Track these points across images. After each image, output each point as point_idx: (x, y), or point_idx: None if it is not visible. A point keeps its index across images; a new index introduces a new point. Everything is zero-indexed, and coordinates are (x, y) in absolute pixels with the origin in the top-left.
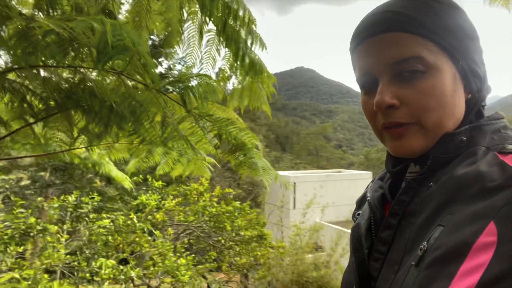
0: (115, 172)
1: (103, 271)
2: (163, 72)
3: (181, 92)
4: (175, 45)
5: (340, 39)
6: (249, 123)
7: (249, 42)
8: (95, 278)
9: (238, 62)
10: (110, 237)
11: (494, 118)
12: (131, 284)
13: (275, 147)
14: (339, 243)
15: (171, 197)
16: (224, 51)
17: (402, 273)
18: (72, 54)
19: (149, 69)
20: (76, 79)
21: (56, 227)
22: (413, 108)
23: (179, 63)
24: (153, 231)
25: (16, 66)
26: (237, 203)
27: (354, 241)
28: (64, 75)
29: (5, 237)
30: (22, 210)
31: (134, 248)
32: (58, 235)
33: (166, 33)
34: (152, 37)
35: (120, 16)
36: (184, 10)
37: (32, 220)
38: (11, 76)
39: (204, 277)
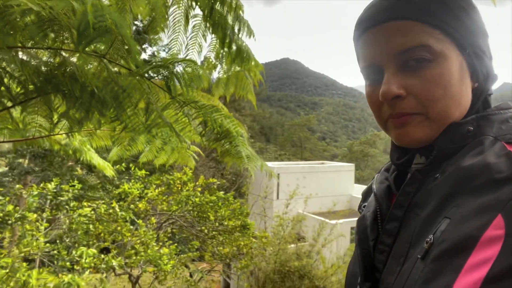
0: (97, 160)
1: (83, 260)
2: (147, 59)
3: (166, 78)
4: (159, 30)
5: (326, 32)
6: (234, 113)
7: (236, 28)
8: (75, 267)
9: (225, 49)
10: (91, 226)
11: (502, 108)
12: (113, 273)
13: (259, 138)
14: (321, 234)
15: (154, 186)
16: (210, 37)
17: (408, 266)
18: (52, 35)
19: (132, 53)
20: (56, 62)
21: (35, 215)
22: (420, 98)
23: (164, 50)
24: (135, 220)
25: None
26: (221, 193)
27: (360, 232)
28: (44, 58)
29: None
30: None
31: (116, 237)
32: (37, 223)
33: (151, 18)
34: (136, 22)
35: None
36: None
37: (10, 207)
38: None
39: (186, 266)
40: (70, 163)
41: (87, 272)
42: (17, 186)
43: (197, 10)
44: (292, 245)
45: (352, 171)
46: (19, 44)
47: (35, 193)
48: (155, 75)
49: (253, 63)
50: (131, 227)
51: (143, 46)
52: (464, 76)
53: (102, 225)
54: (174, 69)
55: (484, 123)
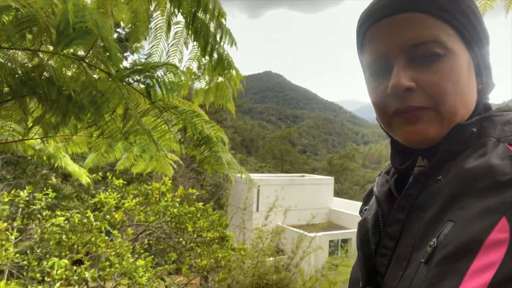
0: (72, 167)
1: (55, 272)
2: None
3: (146, 83)
4: (141, 36)
5: (308, 46)
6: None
7: (218, 36)
8: (46, 278)
9: (207, 57)
10: (64, 236)
11: (504, 109)
12: (85, 286)
13: (240, 149)
14: (300, 246)
15: (132, 196)
16: (192, 45)
17: (411, 270)
18: (30, 36)
19: (112, 56)
20: (33, 63)
21: (5, 224)
22: (431, 92)
23: (145, 58)
24: (111, 230)
25: None
26: (200, 204)
27: (361, 236)
28: (20, 59)
29: None
30: None
31: (90, 248)
32: (7, 232)
33: (133, 26)
34: (118, 30)
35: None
36: (151, 0)
37: None
38: None
39: (162, 279)
40: (44, 171)
41: (58, 284)
42: None
43: (179, 17)
44: (271, 258)
45: (331, 184)
46: None
47: (6, 200)
48: (135, 79)
49: (233, 72)
50: (106, 237)
51: (125, 54)
52: (471, 75)
53: (76, 236)
54: (155, 74)
55: (487, 125)
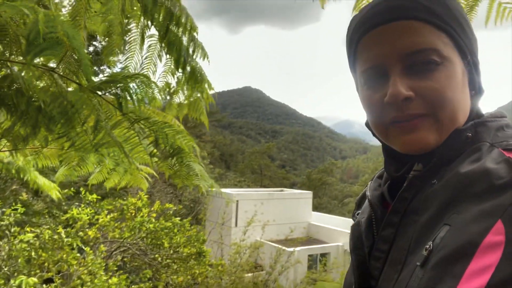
0: (42, 180)
1: None
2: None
3: (117, 94)
4: (115, 49)
5: (287, 62)
6: (194, 139)
7: (190, 50)
8: None
9: (180, 70)
10: (33, 253)
11: (496, 115)
12: None
13: (219, 164)
14: (278, 261)
15: (106, 211)
16: (165, 57)
17: (406, 274)
18: (0, 47)
19: (83, 67)
20: (1, 74)
21: None
22: (430, 98)
23: (121, 71)
24: (83, 247)
25: None
26: (177, 219)
27: (355, 239)
28: None
29: None
30: None
31: (61, 267)
32: None
33: (107, 39)
34: (94, 43)
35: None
36: (125, 13)
37: None
38: None
39: None
40: (14, 187)
41: None
42: None
43: (153, 30)
44: (249, 274)
45: (310, 198)
46: None
47: None
48: (107, 90)
49: (206, 85)
50: (78, 254)
51: (101, 68)
52: (465, 82)
53: (46, 253)
54: (126, 85)
55: (481, 130)
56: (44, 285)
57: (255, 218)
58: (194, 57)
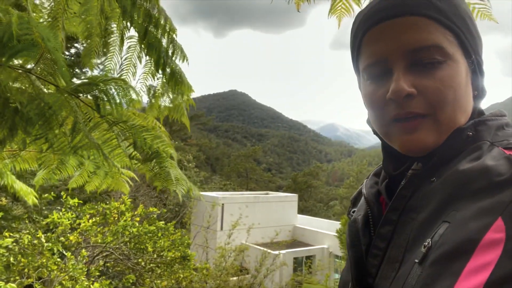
0: (19, 185)
1: None
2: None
3: (95, 96)
4: (94, 49)
5: (273, 66)
6: (179, 143)
7: (170, 51)
8: None
9: (160, 71)
10: (11, 258)
11: (497, 114)
12: None
13: (205, 168)
14: (263, 264)
15: (88, 216)
16: (145, 59)
17: (404, 271)
18: None
19: (59, 68)
20: None
21: None
22: (431, 98)
23: (99, 72)
24: (64, 252)
25: None
26: (161, 223)
27: (352, 236)
28: None
29: None
30: None
31: (42, 273)
32: None
33: (87, 40)
34: (76, 45)
35: (35, 15)
36: (104, 14)
37: None
38: None
39: None
40: None
41: None
42: None
43: (132, 32)
44: (234, 278)
45: (295, 201)
46: None
47: None
48: (85, 93)
49: (185, 87)
50: (59, 260)
51: (84, 70)
52: (468, 82)
53: (26, 259)
54: (104, 87)
55: (482, 129)
56: None
57: (240, 221)
58: (173, 59)
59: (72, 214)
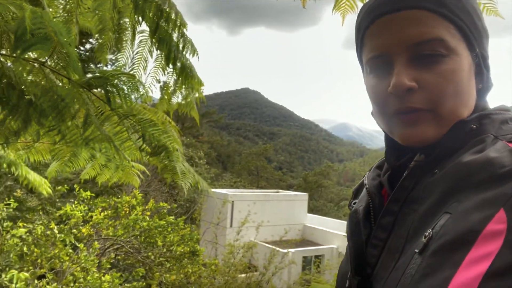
0: (32, 176)
1: (14, 285)
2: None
3: (106, 89)
4: (106, 44)
5: (285, 65)
6: (191, 139)
7: (180, 46)
8: None
9: (170, 65)
10: (25, 248)
11: (502, 109)
12: None
13: (216, 165)
14: (272, 262)
15: (100, 209)
16: (156, 53)
17: (404, 261)
18: None
19: (71, 62)
20: None
21: None
22: (431, 93)
23: (111, 65)
24: (76, 244)
25: None
26: (171, 218)
27: (352, 226)
28: None
29: None
30: None
31: (54, 264)
32: None
33: (100, 35)
34: (91, 40)
35: (51, 10)
36: (117, 8)
37: None
38: None
39: None
40: (9, 183)
41: None
42: None
43: (144, 26)
44: (243, 275)
45: (305, 200)
46: None
47: None
48: (96, 86)
49: (196, 80)
50: (71, 251)
51: (98, 66)
52: (471, 76)
53: (39, 249)
54: (114, 81)
55: (486, 122)
56: (36, 281)
57: (249, 218)
58: (184, 53)
59: (84, 207)
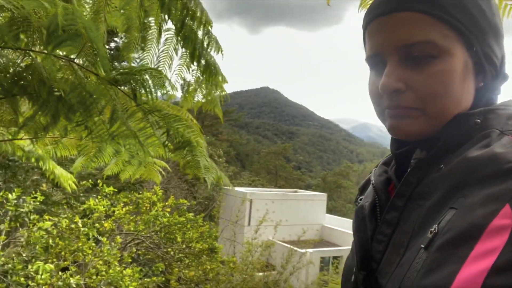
0: (59, 171)
1: (39, 276)
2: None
3: (132, 85)
4: (133, 41)
5: (306, 64)
6: (211, 138)
7: (205, 43)
8: (30, 283)
9: (195, 63)
10: (50, 240)
11: (508, 104)
12: None
13: (235, 163)
14: (289, 261)
15: (122, 204)
16: (181, 51)
17: (409, 256)
18: (23, 37)
19: (100, 58)
20: (24, 63)
21: None
22: (420, 93)
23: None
24: (99, 238)
25: None
26: (190, 215)
27: (358, 221)
28: (11, 57)
29: None
30: None
31: (78, 257)
32: None
33: (126, 34)
34: (116, 39)
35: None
36: (143, 7)
37: None
38: None
39: None
40: (35, 177)
41: None
42: None
43: (169, 24)
44: (260, 273)
45: (324, 200)
46: None
47: None
48: (123, 82)
49: (220, 78)
50: (93, 244)
51: (122, 64)
52: (467, 75)
53: (64, 242)
54: (141, 77)
55: (491, 117)
56: (60, 273)
57: (267, 217)
58: (208, 50)
59: (107, 202)
